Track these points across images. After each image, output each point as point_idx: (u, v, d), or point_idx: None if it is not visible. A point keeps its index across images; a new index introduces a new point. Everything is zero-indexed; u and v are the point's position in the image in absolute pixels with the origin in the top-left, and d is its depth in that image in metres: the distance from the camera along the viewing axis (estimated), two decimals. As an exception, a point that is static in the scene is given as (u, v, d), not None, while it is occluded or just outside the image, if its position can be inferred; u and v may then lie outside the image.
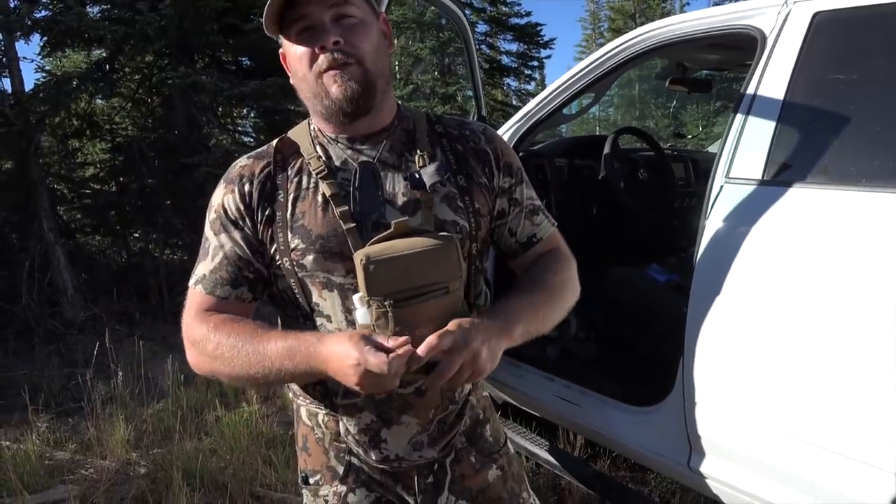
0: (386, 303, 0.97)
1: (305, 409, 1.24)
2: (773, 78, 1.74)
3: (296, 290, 1.12)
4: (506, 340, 1.05)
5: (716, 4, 9.17)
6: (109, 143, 6.93)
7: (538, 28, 15.46)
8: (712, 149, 4.17)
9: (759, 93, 1.76)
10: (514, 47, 16.05)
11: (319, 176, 1.10)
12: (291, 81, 1.15)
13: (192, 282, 1.14)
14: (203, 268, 1.13)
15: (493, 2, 15.32)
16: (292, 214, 1.10)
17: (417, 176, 1.11)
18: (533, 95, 18.43)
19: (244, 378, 1.05)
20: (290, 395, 1.29)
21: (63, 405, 3.76)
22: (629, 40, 2.22)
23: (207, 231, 1.15)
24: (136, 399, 3.43)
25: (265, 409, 3.48)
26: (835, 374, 1.49)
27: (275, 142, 1.19)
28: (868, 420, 1.44)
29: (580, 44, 29.90)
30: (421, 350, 0.93)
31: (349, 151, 1.15)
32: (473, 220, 1.15)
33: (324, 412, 1.20)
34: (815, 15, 1.71)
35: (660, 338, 2.28)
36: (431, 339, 0.94)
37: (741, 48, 2.39)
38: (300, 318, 1.14)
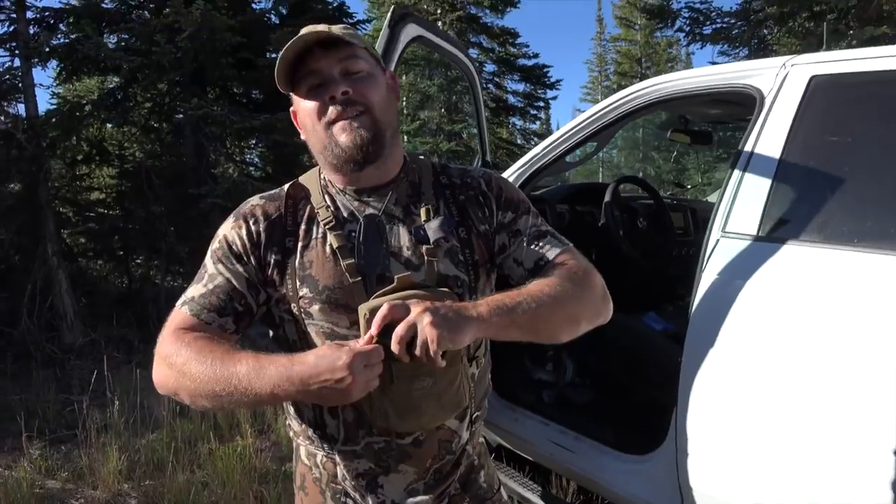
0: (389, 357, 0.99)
1: (305, 449, 1.25)
2: (770, 137, 1.79)
3: (299, 336, 1.15)
4: (474, 319, 1.00)
5: (720, 56, 9.33)
6: (117, 169, 7.01)
7: (545, 70, 15.65)
8: (712, 198, 4.23)
9: (757, 150, 1.80)
10: (520, 87, 16.25)
11: (327, 227, 1.13)
12: (302, 136, 1.19)
13: (179, 302, 1.14)
14: (194, 291, 1.13)
15: (501, 43, 15.56)
16: (301, 263, 1.13)
17: (422, 232, 1.14)
18: (538, 135, 18.55)
19: (207, 395, 1.01)
20: (291, 433, 1.30)
21: (57, 432, 3.74)
22: (633, 93, 2.28)
23: (207, 259, 1.16)
24: (131, 428, 3.42)
25: (259, 444, 3.47)
26: (828, 431, 1.51)
27: (287, 186, 1.22)
28: (863, 477, 1.45)
29: (586, 85, 30.34)
30: (375, 322, 0.97)
31: (356, 203, 1.18)
32: (472, 272, 1.18)
33: (322, 454, 1.21)
34: (812, 78, 1.77)
35: (654, 386, 2.29)
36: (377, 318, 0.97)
37: (741, 104, 2.45)
38: None
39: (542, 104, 16.96)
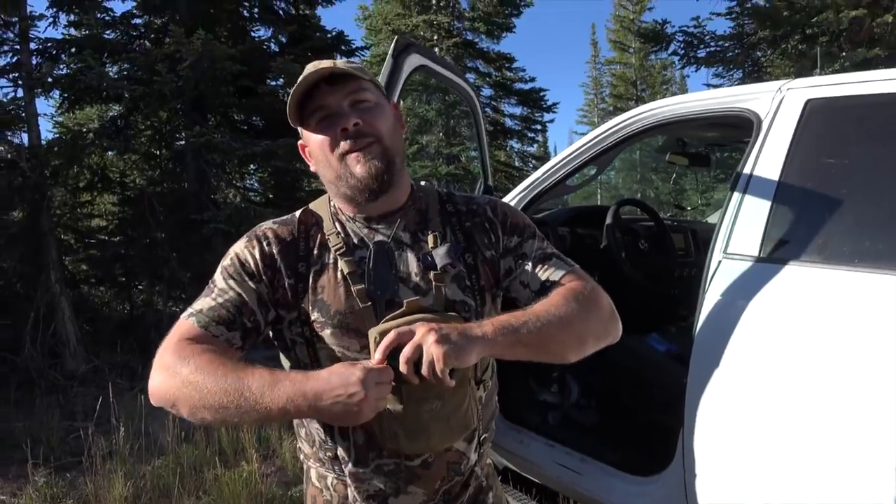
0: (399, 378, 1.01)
1: (315, 471, 1.27)
2: (768, 159, 1.83)
3: (310, 359, 1.17)
4: (479, 338, 1.02)
5: (714, 78, 9.47)
6: (119, 196, 7.06)
7: (542, 93, 15.82)
8: (711, 219, 4.26)
9: (756, 173, 1.84)
10: (518, 111, 16.40)
11: (338, 253, 1.16)
12: (312, 168, 1.22)
13: (185, 314, 1.12)
14: (202, 304, 1.13)
15: (498, 67, 15.74)
16: (313, 288, 1.16)
17: (430, 258, 1.17)
18: (535, 157, 18.63)
19: (212, 407, 0.99)
20: (301, 456, 1.31)
21: (61, 459, 3.72)
22: (632, 117, 2.32)
23: (217, 276, 1.17)
24: (136, 455, 3.41)
25: (265, 469, 3.46)
26: (833, 449, 1.52)
27: (298, 213, 1.25)
28: (868, 495, 1.46)
29: (582, 108, 30.63)
30: (381, 347, 0.99)
31: (366, 230, 1.21)
32: (479, 296, 1.21)
33: (333, 476, 1.23)
34: (808, 102, 1.81)
35: (660, 407, 2.30)
36: (383, 344, 0.99)
37: (738, 127, 2.50)
38: None
39: (539, 127, 17.11)
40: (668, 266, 2.97)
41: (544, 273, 1.23)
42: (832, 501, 1.52)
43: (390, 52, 1.88)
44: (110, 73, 6.04)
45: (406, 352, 0.97)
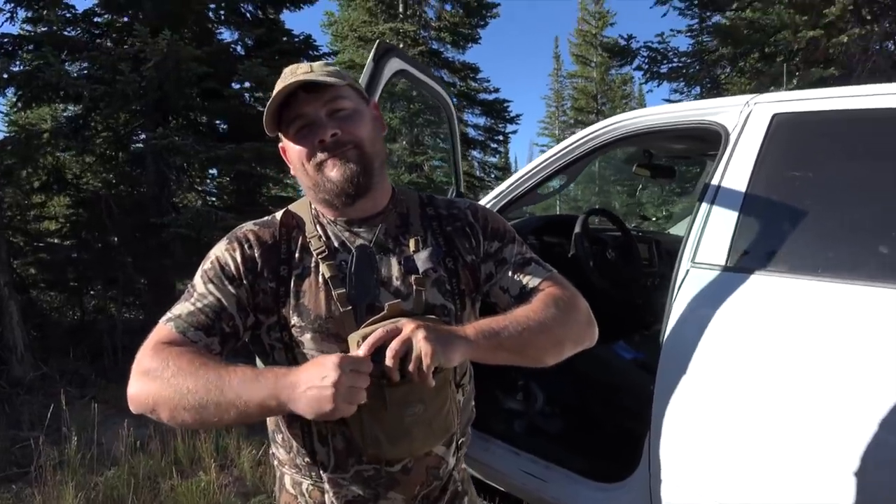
0: (382, 382, 1.00)
1: (290, 477, 1.24)
2: (735, 171, 1.88)
3: (289, 364, 1.14)
4: (463, 339, 1.03)
5: (674, 93, 9.72)
6: (74, 198, 6.85)
7: (505, 104, 15.95)
8: (674, 230, 4.35)
9: (724, 184, 1.89)
10: (481, 121, 16.51)
11: (320, 256, 1.15)
12: (292, 172, 1.21)
13: (163, 319, 1.11)
14: (180, 308, 1.11)
15: (463, 77, 15.83)
16: (295, 292, 1.14)
17: (412, 262, 1.17)
18: (497, 168, 18.72)
19: (192, 407, 0.97)
20: (275, 463, 1.29)
21: (6, 470, 3.58)
22: (602, 128, 2.36)
23: (197, 279, 1.15)
24: (87, 465, 3.30)
25: (223, 479, 3.38)
26: (796, 454, 1.56)
27: (279, 214, 1.24)
28: (829, 498, 1.50)
29: (544, 120, 30.91)
30: (369, 341, 0.98)
31: (347, 234, 1.20)
32: (459, 301, 1.21)
33: (309, 482, 1.21)
34: (774, 116, 1.87)
35: (626, 414, 2.32)
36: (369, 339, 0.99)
37: (704, 140, 2.56)
38: None
39: (501, 138, 17.25)
40: (634, 275, 3.02)
41: (524, 278, 1.25)
42: (794, 505, 1.55)
43: (371, 55, 1.88)
44: (70, 72, 5.87)
45: (394, 345, 0.97)
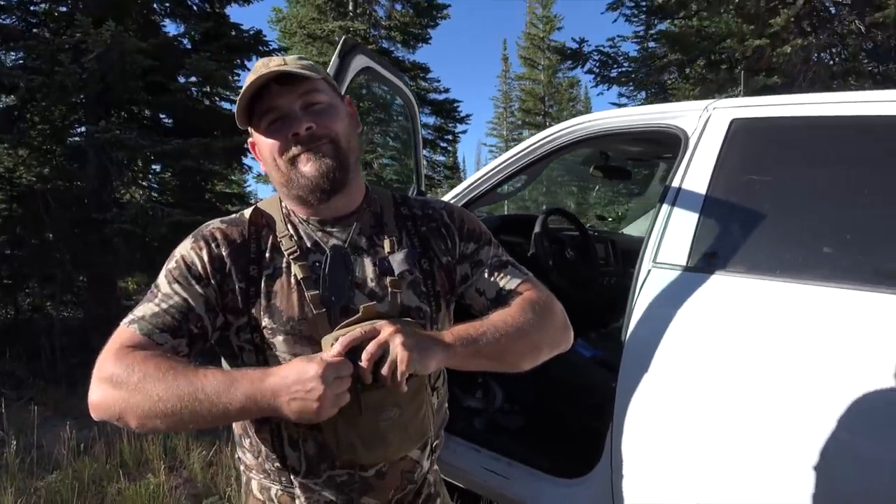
0: (357, 386, 0.98)
1: (258, 482, 1.21)
2: (695, 174, 1.92)
3: (259, 366, 1.11)
4: (441, 346, 1.03)
5: (620, 96, 9.94)
6: (7, 193, 6.52)
7: (455, 104, 15.99)
8: (628, 230, 4.44)
9: (684, 186, 1.93)
10: (431, 121, 16.50)
11: (292, 257, 1.12)
12: (262, 168, 1.17)
13: (125, 320, 1.06)
14: (144, 310, 1.06)
15: (413, 77, 15.78)
16: (266, 293, 1.10)
17: (387, 264, 1.15)
18: (446, 167, 18.70)
19: (163, 414, 0.93)
20: (241, 467, 1.25)
21: (-65, 477, 3.40)
22: (563, 129, 2.38)
23: (161, 279, 1.10)
24: (27, 469, 3.16)
25: (172, 481, 3.28)
26: (754, 451, 1.61)
27: (248, 212, 1.20)
28: (787, 495, 1.55)
29: (492, 120, 31.21)
30: (344, 339, 0.97)
31: (319, 233, 1.17)
32: (434, 303, 1.20)
33: (278, 487, 1.17)
34: (733, 121, 1.92)
35: (587, 411, 2.35)
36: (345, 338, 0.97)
37: (661, 143, 2.62)
38: None
39: (451, 137, 17.29)
40: (592, 274, 3.06)
41: (500, 281, 1.24)
42: (752, 501, 1.60)
43: (337, 52, 1.85)
44: (4, 62, 5.59)
45: (370, 348, 0.95)
